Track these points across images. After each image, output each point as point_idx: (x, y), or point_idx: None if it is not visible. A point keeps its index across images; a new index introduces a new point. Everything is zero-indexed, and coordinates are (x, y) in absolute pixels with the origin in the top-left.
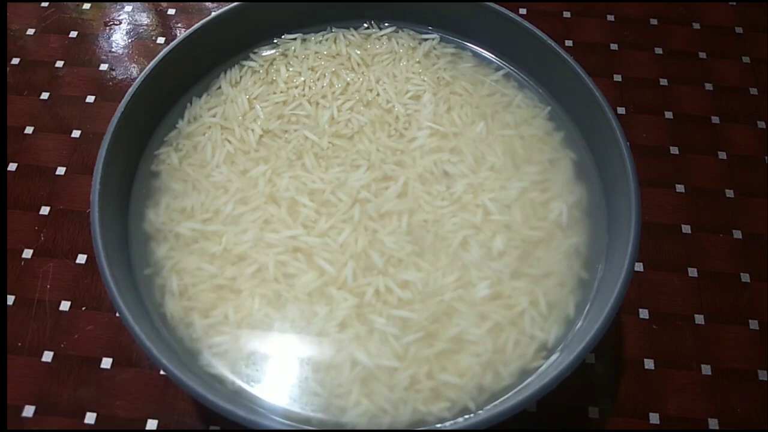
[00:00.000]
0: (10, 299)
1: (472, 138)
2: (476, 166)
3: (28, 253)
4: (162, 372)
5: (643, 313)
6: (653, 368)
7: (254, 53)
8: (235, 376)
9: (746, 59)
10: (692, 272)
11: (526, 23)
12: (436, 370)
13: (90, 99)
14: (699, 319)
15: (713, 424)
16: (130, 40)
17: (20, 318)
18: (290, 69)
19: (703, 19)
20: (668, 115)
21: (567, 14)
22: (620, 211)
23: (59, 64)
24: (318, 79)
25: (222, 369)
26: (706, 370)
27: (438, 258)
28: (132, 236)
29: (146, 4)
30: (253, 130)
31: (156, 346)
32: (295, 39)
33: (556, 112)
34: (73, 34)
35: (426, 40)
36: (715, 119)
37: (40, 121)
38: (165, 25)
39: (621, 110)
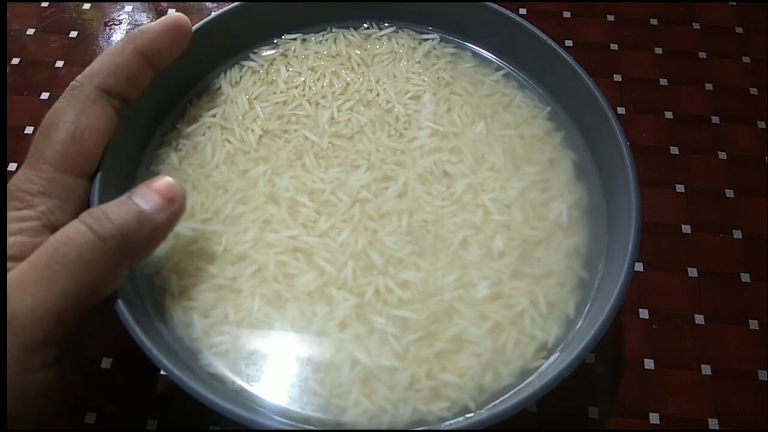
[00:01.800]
0: None
1: (472, 138)
2: (476, 166)
3: None
4: (162, 372)
5: (643, 313)
6: (653, 368)
7: (254, 53)
8: (235, 375)
9: (746, 59)
10: (692, 272)
11: (526, 23)
12: (436, 369)
13: None
14: (699, 319)
15: (713, 424)
16: None
17: None
18: (290, 69)
19: (703, 19)
20: (668, 115)
21: (567, 14)
22: (620, 211)
23: (59, 64)
24: (318, 80)
25: (222, 369)
26: (706, 370)
27: (438, 258)
28: None
29: (146, 4)
30: (253, 130)
31: (156, 346)
32: (295, 39)
33: (556, 112)
34: (73, 34)
35: (426, 40)
36: (715, 119)
37: (40, 121)
38: None
39: (621, 110)
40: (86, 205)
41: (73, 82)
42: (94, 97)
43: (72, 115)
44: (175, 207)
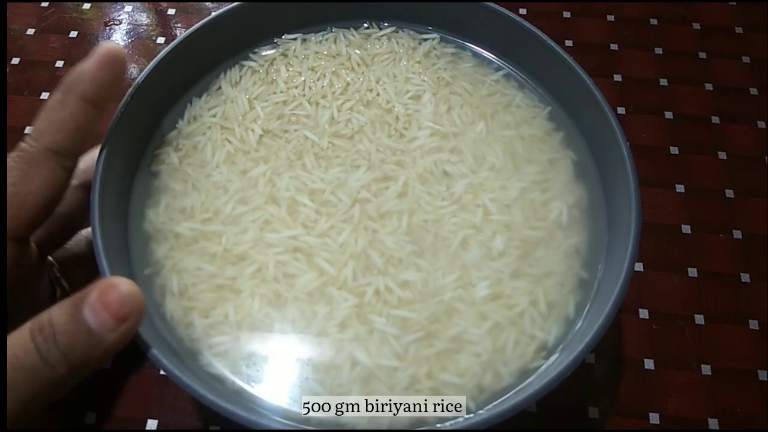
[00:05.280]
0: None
1: (472, 138)
2: (476, 166)
3: None
4: (162, 372)
5: (643, 313)
6: (653, 368)
7: (254, 53)
8: (235, 376)
9: (746, 59)
10: (692, 272)
11: (526, 23)
12: (436, 370)
13: None
14: (699, 319)
15: (713, 424)
16: (130, 40)
17: None
18: (290, 69)
19: (703, 19)
20: (668, 115)
21: (567, 14)
22: (620, 211)
23: (59, 64)
24: (318, 79)
25: (222, 369)
26: (706, 370)
27: (438, 258)
28: (132, 236)
29: (146, 4)
30: (253, 130)
31: (156, 346)
32: (295, 39)
33: (556, 112)
34: (73, 34)
35: (426, 40)
36: (715, 119)
37: None
38: (165, 25)
39: (621, 110)
40: (35, 249)
41: (22, 144)
42: (42, 159)
43: (16, 177)
44: (127, 325)
